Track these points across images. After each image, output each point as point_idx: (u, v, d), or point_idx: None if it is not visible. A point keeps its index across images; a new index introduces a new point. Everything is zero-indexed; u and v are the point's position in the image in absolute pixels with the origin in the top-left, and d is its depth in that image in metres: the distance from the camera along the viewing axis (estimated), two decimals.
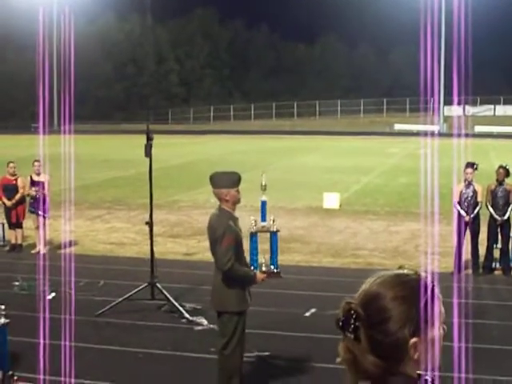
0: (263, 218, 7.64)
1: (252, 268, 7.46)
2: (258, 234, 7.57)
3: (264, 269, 7.49)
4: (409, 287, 1.97)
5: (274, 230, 7.62)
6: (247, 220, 7.59)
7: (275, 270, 7.62)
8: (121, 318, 10.32)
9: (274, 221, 7.70)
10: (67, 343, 7.71)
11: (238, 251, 7.16)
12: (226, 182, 7.22)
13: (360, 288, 2.03)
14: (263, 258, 7.55)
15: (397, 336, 1.93)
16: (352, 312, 1.95)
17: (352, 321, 1.94)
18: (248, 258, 7.55)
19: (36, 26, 45.15)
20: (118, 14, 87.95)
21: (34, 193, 14.97)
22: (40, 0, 58.13)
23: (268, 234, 7.93)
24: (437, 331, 1.98)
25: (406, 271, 2.04)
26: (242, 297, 7.24)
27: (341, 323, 1.96)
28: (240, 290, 7.20)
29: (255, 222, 7.52)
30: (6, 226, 15.69)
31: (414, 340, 1.94)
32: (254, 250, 7.46)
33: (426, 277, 2.01)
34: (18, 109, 75.83)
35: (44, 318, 8.17)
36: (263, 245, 7.79)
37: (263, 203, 7.62)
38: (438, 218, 16.48)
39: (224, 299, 7.21)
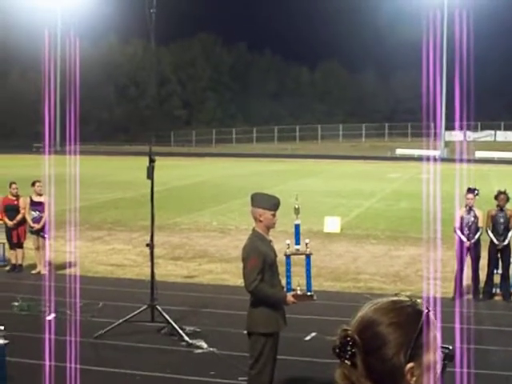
0: (297, 242, 7.62)
1: (285, 290, 7.47)
2: (291, 257, 7.57)
3: (299, 292, 7.46)
4: (404, 313, 1.99)
5: (307, 252, 7.60)
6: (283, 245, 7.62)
7: (308, 293, 7.58)
8: (120, 340, 10.28)
9: (307, 244, 7.66)
10: (65, 365, 7.68)
11: (268, 273, 7.21)
12: (263, 202, 7.30)
13: (356, 314, 2.04)
14: (298, 281, 7.52)
15: (393, 362, 1.94)
16: (348, 339, 1.96)
17: (349, 347, 1.95)
18: (283, 281, 7.58)
19: (40, 48, 45.41)
20: (121, 37, 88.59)
21: (34, 225, 15.00)
22: (45, 21, 58.71)
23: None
24: (433, 356, 1.99)
25: (401, 298, 2.05)
26: (271, 318, 7.27)
27: (337, 350, 1.96)
28: (268, 311, 7.24)
29: (289, 245, 7.54)
30: (7, 246, 15.71)
31: (410, 365, 1.94)
32: (287, 273, 7.49)
33: (421, 303, 2.03)
34: (19, 128, 76.09)
35: (43, 340, 8.14)
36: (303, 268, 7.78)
37: (297, 226, 7.59)
38: (439, 243, 16.46)
39: (251, 320, 7.31)
